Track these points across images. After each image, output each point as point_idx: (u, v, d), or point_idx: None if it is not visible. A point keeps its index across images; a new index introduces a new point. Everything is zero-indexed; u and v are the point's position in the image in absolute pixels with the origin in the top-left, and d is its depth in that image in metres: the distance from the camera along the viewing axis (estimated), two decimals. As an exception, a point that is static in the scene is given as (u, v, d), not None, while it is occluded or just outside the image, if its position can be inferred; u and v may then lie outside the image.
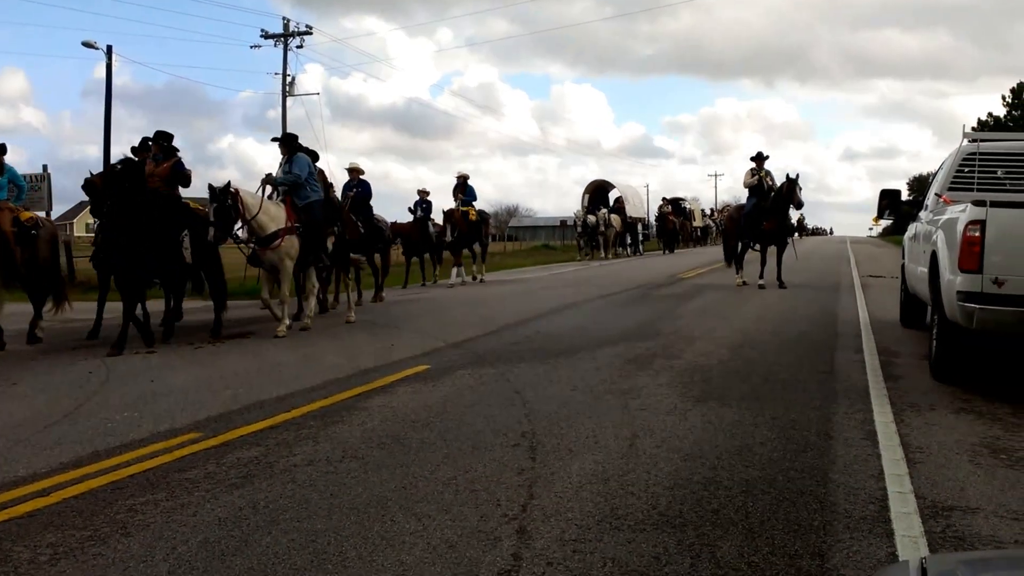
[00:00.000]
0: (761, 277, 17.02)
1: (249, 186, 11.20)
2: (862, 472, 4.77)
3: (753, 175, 17.02)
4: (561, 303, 14.65)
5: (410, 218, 19.94)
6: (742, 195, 18.61)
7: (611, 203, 40.58)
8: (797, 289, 16.54)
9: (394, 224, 20.03)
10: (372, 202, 15.45)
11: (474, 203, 20.56)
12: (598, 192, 41.33)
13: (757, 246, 17.47)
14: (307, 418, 6.13)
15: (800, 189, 16.55)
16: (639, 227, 42.12)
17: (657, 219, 44.41)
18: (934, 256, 7.58)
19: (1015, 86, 63.03)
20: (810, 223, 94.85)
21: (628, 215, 39.41)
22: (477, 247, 21.03)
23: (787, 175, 16.63)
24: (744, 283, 17.47)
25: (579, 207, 38.64)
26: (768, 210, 16.71)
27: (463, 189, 20.18)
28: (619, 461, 4.95)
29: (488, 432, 5.64)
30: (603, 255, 35.53)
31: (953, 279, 6.70)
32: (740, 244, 18.12)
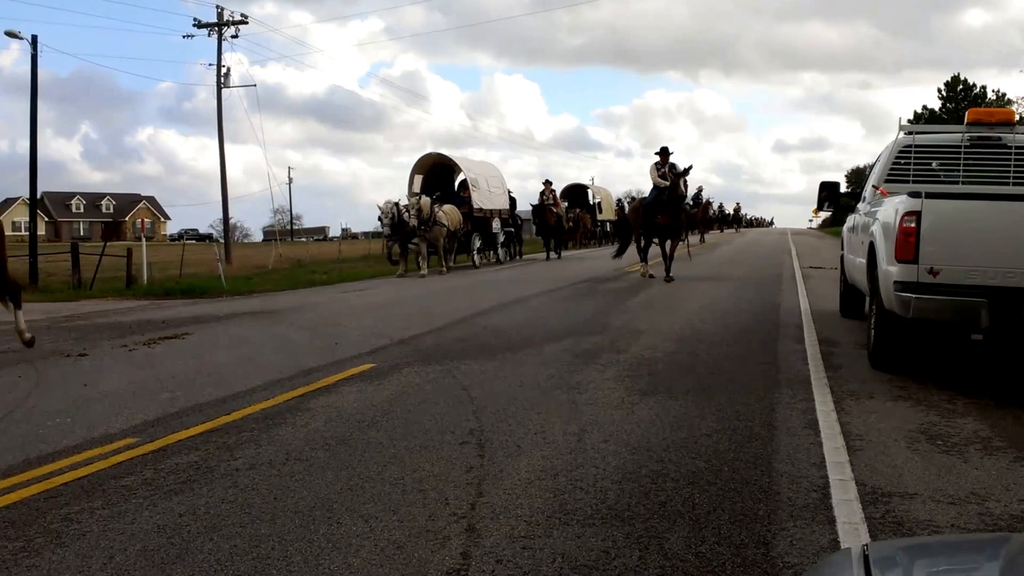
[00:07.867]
0: (667, 271, 17.30)
1: None
2: (804, 461, 4.84)
3: (658, 169, 17.20)
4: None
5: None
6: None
7: (456, 188, 26.91)
8: (740, 280, 16.79)
9: None
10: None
11: None
12: (435, 172, 26.66)
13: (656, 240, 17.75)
14: (248, 420, 6.01)
15: (685, 183, 16.98)
16: (495, 224, 27.25)
17: (535, 212, 30.84)
18: (872, 247, 7.72)
19: (950, 79, 65.12)
20: (749, 213, 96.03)
21: (477, 207, 25.46)
22: None
23: (673, 168, 16.89)
24: (651, 275, 17.68)
25: (405, 194, 23.74)
26: (663, 204, 16.98)
27: None
28: (567, 456, 4.95)
29: (436, 430, 5.59)
30: (422, 267, 21.56)
31: (890, 269, 6.84)
32: (643, 238, 18.39)
